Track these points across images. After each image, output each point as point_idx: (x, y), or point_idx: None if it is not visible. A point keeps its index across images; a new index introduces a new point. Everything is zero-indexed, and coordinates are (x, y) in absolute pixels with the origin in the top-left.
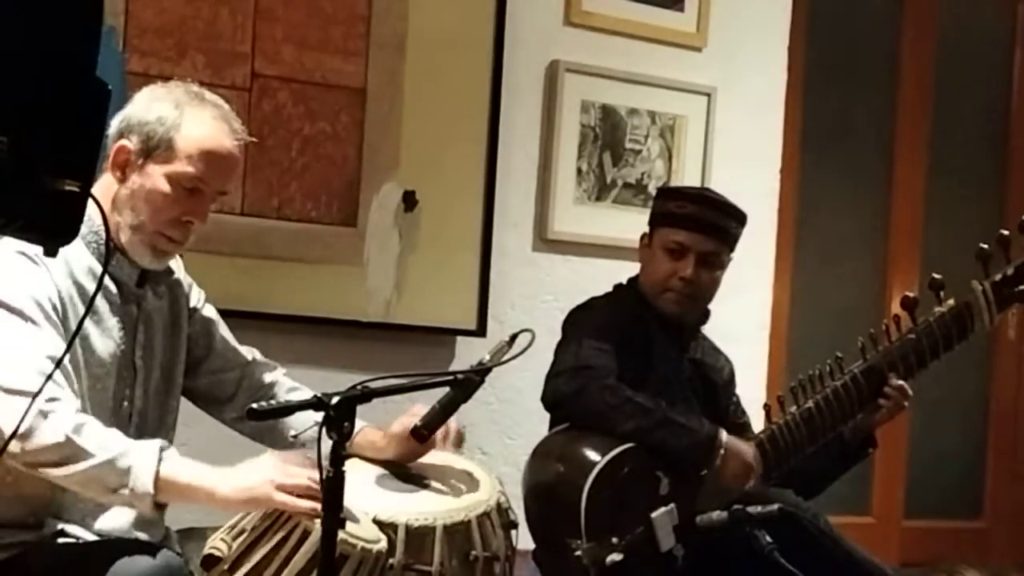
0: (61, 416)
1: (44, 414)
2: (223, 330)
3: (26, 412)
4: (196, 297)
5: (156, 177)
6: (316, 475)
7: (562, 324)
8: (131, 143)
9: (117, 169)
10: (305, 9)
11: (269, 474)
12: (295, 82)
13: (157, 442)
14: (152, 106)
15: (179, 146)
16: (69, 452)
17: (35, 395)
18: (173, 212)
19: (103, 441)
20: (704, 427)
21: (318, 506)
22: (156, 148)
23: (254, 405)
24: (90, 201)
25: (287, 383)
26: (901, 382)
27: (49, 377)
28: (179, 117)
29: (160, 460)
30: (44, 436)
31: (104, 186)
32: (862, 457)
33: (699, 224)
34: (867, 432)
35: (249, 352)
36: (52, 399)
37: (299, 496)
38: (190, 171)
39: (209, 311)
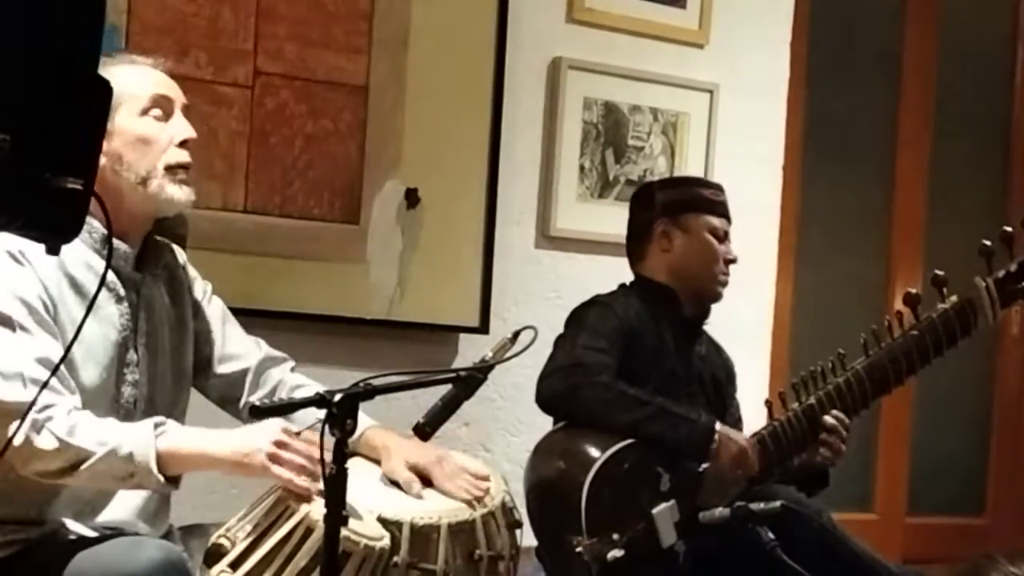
0: (54, 423)
1: (37, 428)
2: (230, 325)
3: (18, 427)
4: (201, 289)
5: (127, 128)
6: (316, 453)
7: (564, 322)
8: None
9: None
10: (307, 6)
11: (264, 443)
12: (297, 79)
13: (151, 420)
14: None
15: (135, 93)
16: (69, 456)
17: (29, 406)
18: (163, 141)
19: (99, 435)
20: (701, 417)
21: (311, 485)
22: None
23: (256, 402)
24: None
25: (291, 381)
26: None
27: (45, 385)
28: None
29: (157, 437)
30: (42, 448)
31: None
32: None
33: (726, 210)
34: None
35: (258, 346)
36: (45, 407)
37: (293, 473)
38: (146, 102)
39: (216, 305)
